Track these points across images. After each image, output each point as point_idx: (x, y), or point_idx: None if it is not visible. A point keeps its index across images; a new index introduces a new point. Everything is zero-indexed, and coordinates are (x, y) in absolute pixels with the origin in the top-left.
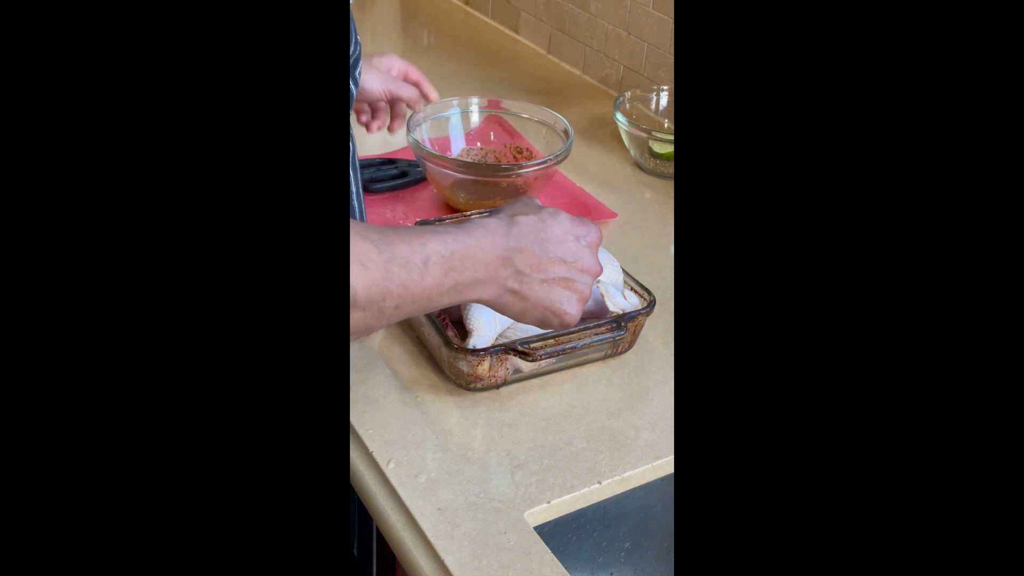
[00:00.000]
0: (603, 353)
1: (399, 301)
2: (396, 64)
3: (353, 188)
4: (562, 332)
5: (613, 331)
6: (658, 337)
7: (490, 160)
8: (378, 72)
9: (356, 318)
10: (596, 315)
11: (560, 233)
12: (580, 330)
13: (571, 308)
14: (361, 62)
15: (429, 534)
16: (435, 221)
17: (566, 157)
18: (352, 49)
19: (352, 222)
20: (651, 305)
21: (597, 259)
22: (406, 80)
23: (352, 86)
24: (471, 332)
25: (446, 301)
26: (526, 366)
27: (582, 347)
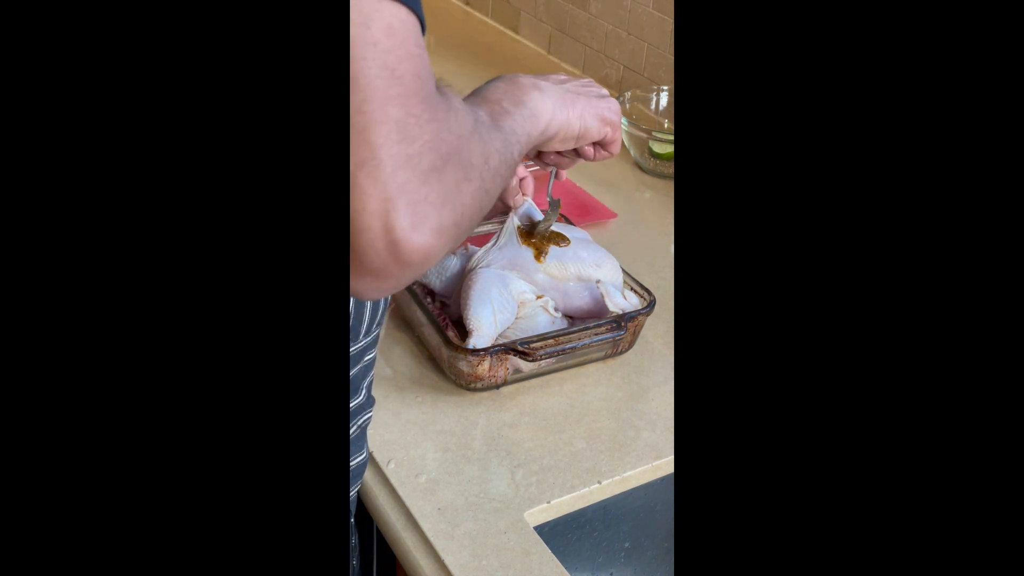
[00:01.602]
0: (603, 353)
1: (518, 148)
2: None
3: None
4: (562, 332)
5: (613, 331)
6: (658, 337)
7: None
8: None
9: (504, 174)
10: (596, 315)
11: (569, 82)
12: (580, 330)
13: (613, 112)
14: None
15: (429, 534)
16: None
17: None
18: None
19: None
20: (651, 305)
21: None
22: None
23: None
24: (471, 332)
25: (536, 131)
26: (526, 366)
27: (582, 347)
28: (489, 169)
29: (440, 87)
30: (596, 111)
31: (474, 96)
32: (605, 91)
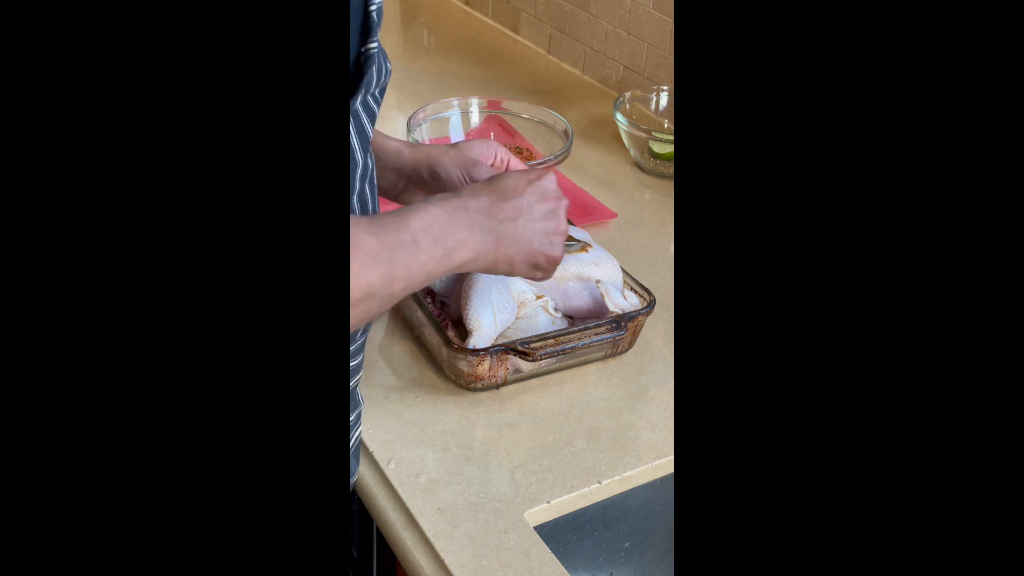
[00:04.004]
0: (603, 353)
1: (405, 283)
2: (486, 150)
3: (370, 207)
4: (562, 332)
5: (613, 331)
6: (658, 337)
7: None
8: (461, 160)
9: (373, 307)
10: (596, 315)
11: (512, 183)
12: (580, 330)
13: (554, 250)
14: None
15: (429, 534)
16: None
17: (566, 157)
18: (383, 77)
19: (352, 218)
20: (651, 305)
21: (559, 190)
22: (493, 167)
23: (374, 106)
24: (471, 332)
25: (443, 270)
26: (526, 366)
27: (582, 347)
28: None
29: None
30: (530, 258)
31: (402, 213)
32: (558, 220)
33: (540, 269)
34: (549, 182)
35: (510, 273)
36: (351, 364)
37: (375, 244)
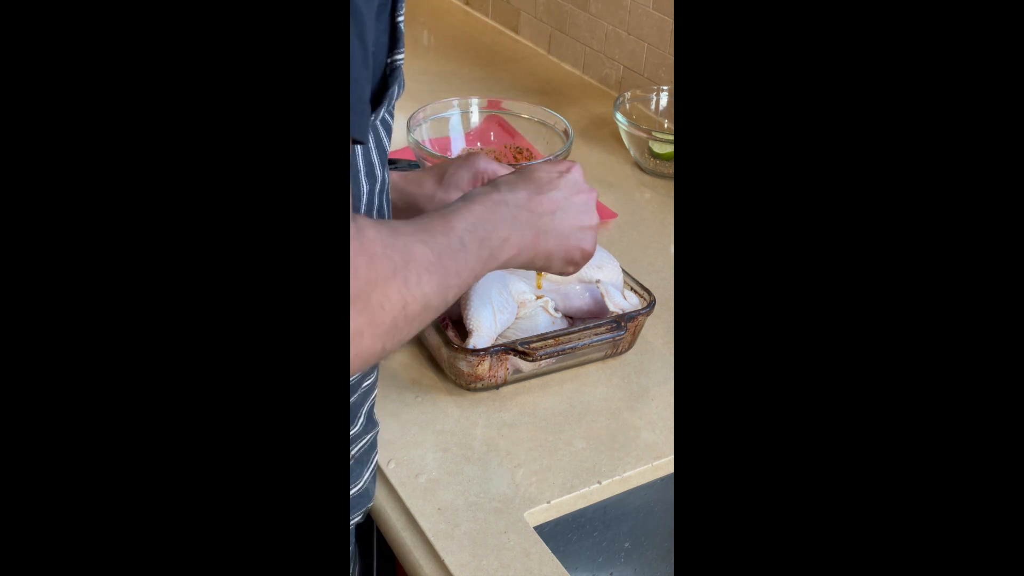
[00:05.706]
0: (603, 353)
1: (457, 289)
2: (473, 176)
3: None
4: (562, 332)
5: (613, 331)
6: (658, 337)
7: None
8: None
9: (427, 319)
10: (596, 315)
11: (544, 175)
12: (580, 330)
13: (588, 244)
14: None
15: (429, 534)
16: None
17: (566, 157)
18: (400, 91)
19: (401, 225)
20: (651, 305)
21: (585, 183)
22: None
23: (390, 119)
24: (471, 332)
25: (488, 269)
26: (526, 366)
27: (582, 347)
28: (405, 315)
29: (364, 225)
30: (566, 253)
31: (446, 215)
32: (591, 213)
33: (573, 264)
34: (578, 174)
35: (547, 268)
36: (366, 383)
37: (428, 254)
